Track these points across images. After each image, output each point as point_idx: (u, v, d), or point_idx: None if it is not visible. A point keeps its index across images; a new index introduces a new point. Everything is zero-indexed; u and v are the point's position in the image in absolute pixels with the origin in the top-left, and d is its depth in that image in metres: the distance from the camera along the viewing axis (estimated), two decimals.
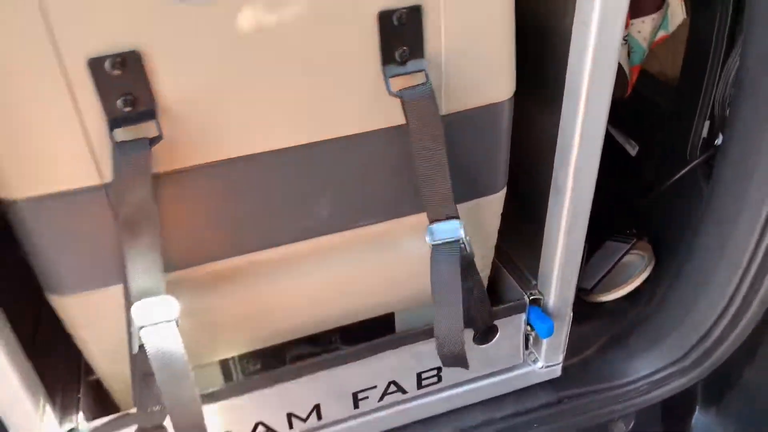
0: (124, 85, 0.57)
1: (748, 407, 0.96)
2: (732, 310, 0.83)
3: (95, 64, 0.55)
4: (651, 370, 0.92)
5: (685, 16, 0.94)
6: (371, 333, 0.86)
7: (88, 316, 0.70)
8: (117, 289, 0.67)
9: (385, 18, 0.61)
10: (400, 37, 0.63)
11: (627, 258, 1.06)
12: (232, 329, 0.78)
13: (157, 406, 0.73)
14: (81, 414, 0.76)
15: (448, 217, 0.71)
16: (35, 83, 0.55)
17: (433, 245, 0.71)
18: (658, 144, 1.05)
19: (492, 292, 0.92)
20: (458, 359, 0.77)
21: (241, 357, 0.85)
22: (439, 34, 0.64)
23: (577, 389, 0.95)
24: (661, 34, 0.96)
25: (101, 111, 0.57)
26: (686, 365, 0.88)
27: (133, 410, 0.73)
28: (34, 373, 0.71)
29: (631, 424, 0.98)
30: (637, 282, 1.02)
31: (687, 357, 0.88)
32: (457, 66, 0.66)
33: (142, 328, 0.63)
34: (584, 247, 0.85)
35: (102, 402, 0.81)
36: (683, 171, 0.95)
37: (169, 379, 0.64)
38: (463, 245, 0.71)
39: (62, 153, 0.59)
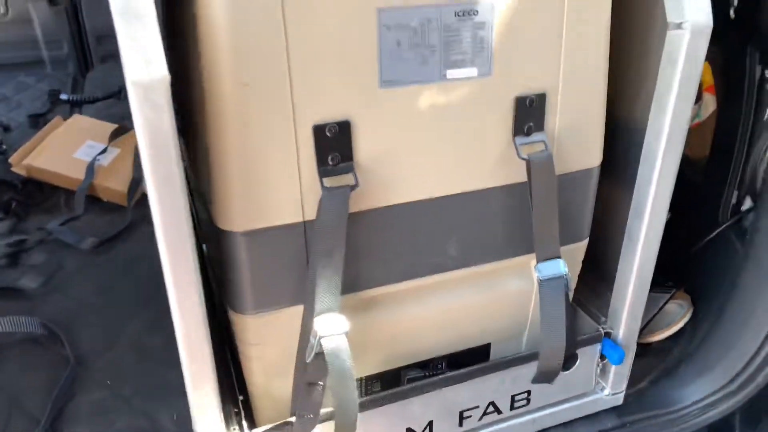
0: (335, 146, 0.75)
1: None
2: None
3: (318, 130, 0.74)
4: (701, 396, 1.09)
5: (715, 107, 1.18)
6: (471, 361, 1.02)
7: (261, 334, 0.86)
8: (288, 311, 0.83)
9: (520, 101, 0.81)
10: (529, 116, 0.83)
11: (668, 306, 1.24)
12: (374, 349, 0.93)
13: (311, 415, 0.87)
14: (245, 423, 0.90)
15: (554, 257, 0.89)
16: (274, 140, 0.73)
17: (541, 280, 0.89)
18: (690, 210, 1.25)
19: None
20: (551, 375, 0.94)
21: (367, 378, 0.99)
22: (555, 113, 0.84)
23: (638, 415, 1.10)
24: (695, 121, 1.19)
25: (314, 164, 0.75)
26: (732, 389, 1.05)
27: (292, 419, 0.87)
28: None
29: None
30: (680, 324, 1.20)
31: (733, 382, 1.05)
32: (564, 139, 0.86)
33: (322, 337, 0.78)
34: None
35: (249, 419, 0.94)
36: (717, 231, 1.16)
37: (339, 379, 0.79)
38: (566, 281, 0.89)
39: (279, 196, 0.76)
